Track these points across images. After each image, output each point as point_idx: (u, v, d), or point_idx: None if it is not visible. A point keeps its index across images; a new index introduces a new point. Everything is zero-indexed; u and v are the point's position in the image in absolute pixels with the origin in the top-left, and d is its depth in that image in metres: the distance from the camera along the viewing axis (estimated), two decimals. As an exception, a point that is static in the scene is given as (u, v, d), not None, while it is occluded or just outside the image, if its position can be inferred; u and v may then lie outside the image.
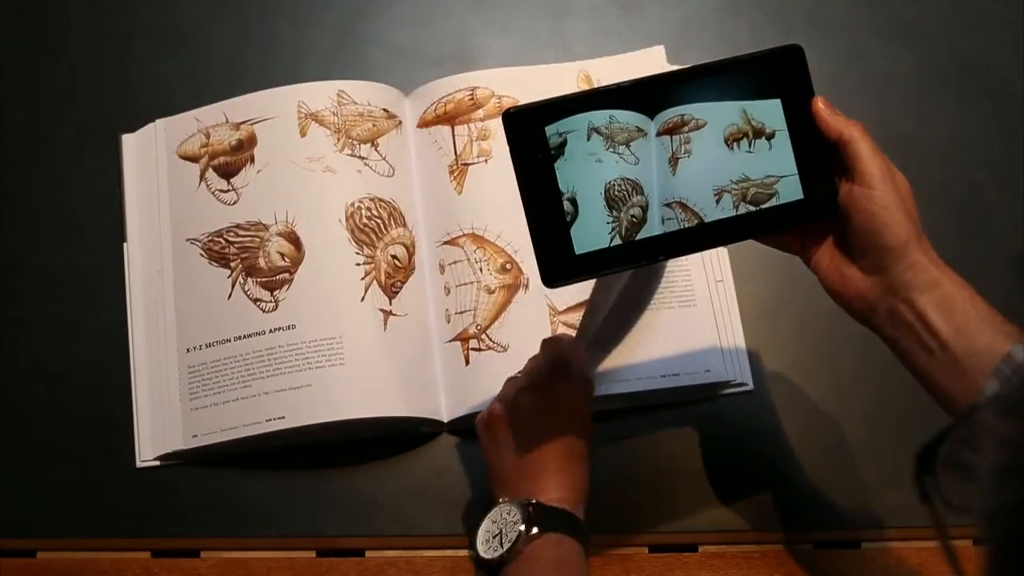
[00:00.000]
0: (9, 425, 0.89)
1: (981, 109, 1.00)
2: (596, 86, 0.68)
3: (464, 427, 0.88)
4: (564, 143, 0.67)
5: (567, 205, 0.67)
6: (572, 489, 0.76)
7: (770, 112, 0.70)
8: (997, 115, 0.99)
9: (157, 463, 0.88)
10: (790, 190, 0.71)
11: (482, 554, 0.75)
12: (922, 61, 1.02)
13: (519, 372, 0.81)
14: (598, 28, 1.03)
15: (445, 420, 0.88)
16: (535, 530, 0.73)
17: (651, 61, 0.99)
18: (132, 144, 0.97)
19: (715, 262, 0.92)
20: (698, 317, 0.90)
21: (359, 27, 1.03)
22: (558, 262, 0.68)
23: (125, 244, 0.94)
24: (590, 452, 0.78)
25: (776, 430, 0.89)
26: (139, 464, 0.88)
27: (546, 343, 0.80)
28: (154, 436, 0.88)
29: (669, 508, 0.86)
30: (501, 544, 0.74)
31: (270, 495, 0.87)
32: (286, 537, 0.86)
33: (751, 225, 0.71)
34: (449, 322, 0.89)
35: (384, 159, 0.93)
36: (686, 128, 0.69)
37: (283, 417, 0.85)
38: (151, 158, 0.95)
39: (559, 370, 0.78)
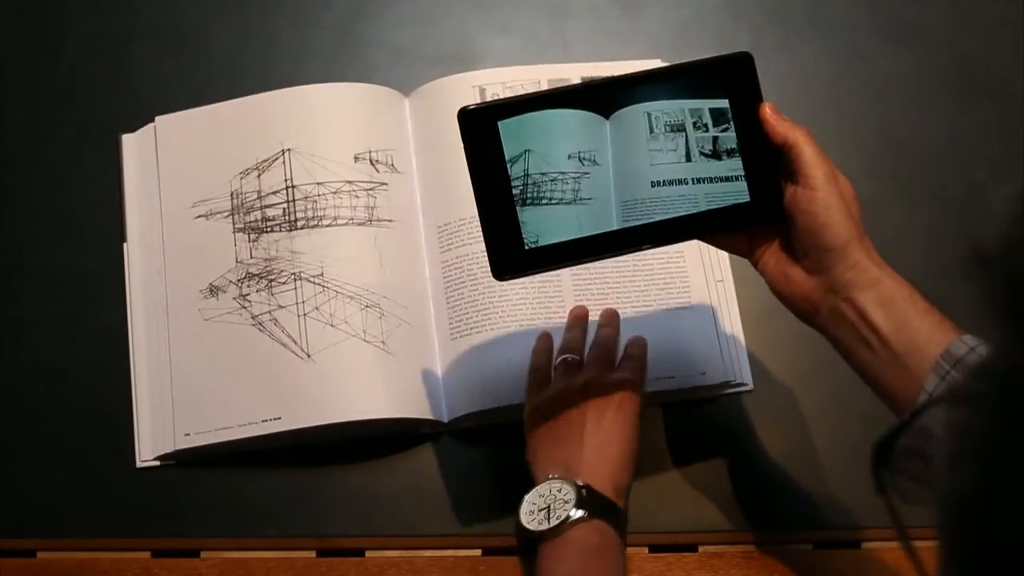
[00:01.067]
0: (9, 425, 0.89)
1: (981, 109, 1.00)
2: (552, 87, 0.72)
3: (464, 427, 0.88)
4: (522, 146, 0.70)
5: (519, 198, 0.70)
6: (619, 485, 0.77)
7: (719, 115, 0.72)
8: (997, 115, 0.99)
9: (157, 463, 0.88)
10: (737, 192, 0.73)
11: (526, 524, 0.75)
12: (922, 61, 1.02)
13: (568, 355, 0.82)
14: (598, 29, 1.03)
15: (445, 420, 0.88)
16: (584, 513, 0.73)
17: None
18: (132, 144, 0.97)
19: (715, 262, 0.92)
20: (698, 317, 0.91)
21: (359, 27, 1.03)
22: (508, 255, 0.71)
23: (125, 244, 0.94)
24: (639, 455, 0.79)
25: (776, 430, 0.89)
26: (139, 464, 0.88)
27: (635, 350, 0.83)
28: (154, 436, 0.88)
29: (669, 508, 0.86)
30: (548, 519, 0.74)
31: (270, 495, 0.87)
32: (286, 537, 0.86)
33: (699, 225, 0.73)
34: (449, 322, 0.89)
35: (391, 166, 0.94)
36: (639, 127, 0.72)
37: (279, 418, 0.85)
38: (151, 158, 0.95)
39: (643, 373, 0.81)
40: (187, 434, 0.87)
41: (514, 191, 0.70)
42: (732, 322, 0.91)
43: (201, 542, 0.86)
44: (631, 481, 0.78)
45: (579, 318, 0.86)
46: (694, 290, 0.91)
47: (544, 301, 0.89)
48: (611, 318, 0.86)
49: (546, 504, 0.75)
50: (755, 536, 0.85)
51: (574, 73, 0.98)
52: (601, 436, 0.77)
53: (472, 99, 0.95)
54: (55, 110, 1.00)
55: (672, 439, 0.89)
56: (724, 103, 0.72)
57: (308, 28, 1.03)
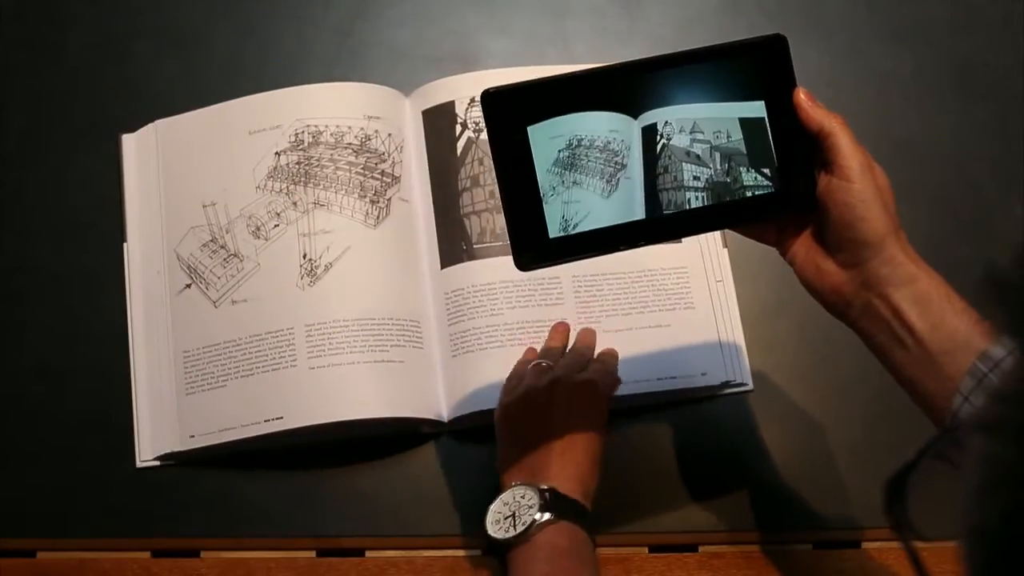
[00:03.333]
0: (9, 425, 0.89)
1: (981, 109, 1.00)
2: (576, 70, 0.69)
3: (464, 427, 0.88)
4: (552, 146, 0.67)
5: (544, 185, 0.67)
6: (585, 486, 0.77)
7: (753, 109, 0.70)
8: (997, 115, 0.99)
9: (157, 463, 0.88)
10: (769, 181, 0.70)
11: (492, 534, 0.75)
12: (922, 61, 1.02)
13: (543, 360, 0.82)
14: (598, 28, 1.03)
15: (445, 420, 0.88)
16: (550, 516, 0.74)
17: None
18: (132, 144, 0.97)
19: (715, 262, 0.92)
20: (698, 318, 0.91)
21: (359, 27, 1.03)
22: (532, 245, 0.68)
23: (125, 244, 0.94)
24: (603, 457, 0.79)
25: (776, 430, 0.89)
26: (139, 464, 0.88)
27: (605, 356, 0.84)
28: (154, 436, 0.88)
29: (669, 508, 0.86)
30: (514, 526, 0.74)
31: (270, 495, 0.87)
32: (286, 537, 0.86)
33: (729, 215, 0.71)
34: (450, 321, 0.89)
35: (393, 164, 0.94)
36: (667, 127, 0.69)
37: (281, 417, 0.85)
38: (151, 158, 0.95)
39: (609, 380, 0.81)
40: (192, 436, 0.87)
41: (539, 179, 0.67)
42: (732, 322, 0.91)
43: (201, 542, 0.86)
44: (597, 483, 0.78)
45: (560, 332, 0.87)
46: (694, 290, 0.91)
47: (546, 296, 0.89)
48: (589, 334, 0.87)
49: (511, 512, 0.75)
50: (755, 536, 0.85)
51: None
52: (566, 439, 0.77)
53: (472, 99, 0.95)
54: (55, 110, 1.00)
55: (672, 439, 0.89)
56: (759, 100, 0.69)
57: (308, 28, 1.03)
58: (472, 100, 0.95)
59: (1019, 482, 0.37)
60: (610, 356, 0.86)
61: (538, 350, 0.86)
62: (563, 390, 0.79)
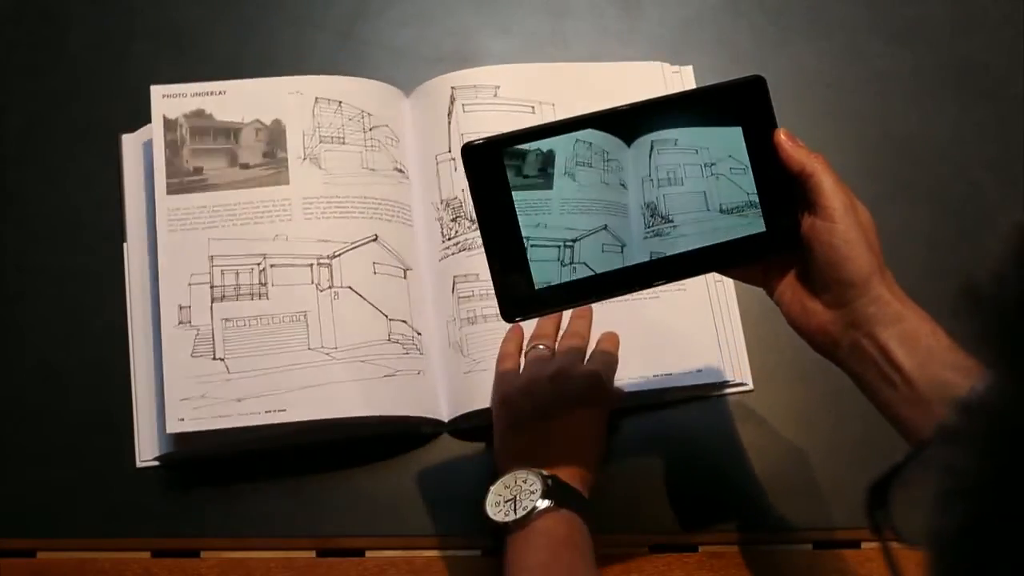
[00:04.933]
0: (9, 425, 0.89)
1: (981, 109, 1.00)
2: (558, 119, 0.69)
3: (464, 427, 0.88)
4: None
5: (528, 240, 0.67)
6: (586, 478, 0.77)
7: (736, 151, 0.70)
8: (997, 115, 0.99)
9: (157, 463, 0.88)
10: (752, 223, 0.70)
11: (492, 516, 0.75)
12: (922, 61, 1.02)
13: (540, 343, 0.82)
14: (598, 28, 1.03)
15: (445, 420, 0.88)
16: (550, 503, 0.73)
17: (649, 73, 0.98)
18: (132, 144, 0.97)
19: (715, 262, 0.92)
20: (698, 317, 0.91)
21: (359, 27, 1.03)
22: (517, 296, 0.68)
23: (125, 244, 0.94)
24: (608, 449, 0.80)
25: (776, 430, 0.89)
26: (139, 464, 0.88)
27: (607, 345, 0.83)
28: (154, 436, 0.88)
29: (669, 508, 0.86)
30: (514, 510, 0.74)
31: (270, 495, 0.87)
32: (286, 537, 0.86)
33: (714, 258, 0.71)
34: (450, 321, 0.89)
35: (396, 163, 0.94)
36: (653, 174, 0.69)
37: (284, 410, 0.85)
38: (151, 158, 0.95)
39: (611, 371, 0.81)
40: (181, 419, 0.84)
41: (523, 231, 0.68)
42: (732, 322, 0.91)
43: (201, 542, 0.86)
44: (597, 477, 0.78)
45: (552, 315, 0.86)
46: (694, 290, 0.91)
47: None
48: (583, 318, 0.86)
49: (512, 495, 0.74)
50: (755, 536, 0.86)
51: (574, 71, 0.98)
52: (569, 432, 0.78)
53: (472, 96, 0.95)
54: (55, 110, 1.00)
55: (672, 439, 0.89)
56: (736, 126, 0.69)
57: (308, 28, 1.03)
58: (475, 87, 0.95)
59: (976, 493, 0.37)
60: (610, 344, 0.85)
61: (517, 325, 0.85)
62: (566, 382, 0.79)
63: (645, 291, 0.90)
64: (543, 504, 0.73)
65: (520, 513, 0.73)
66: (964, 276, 0.38)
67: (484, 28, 1.03)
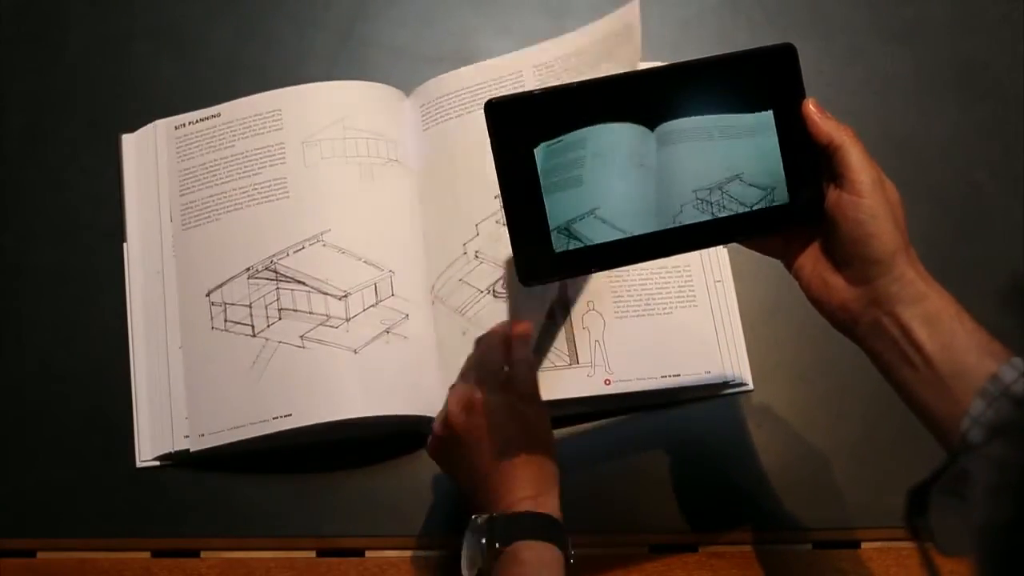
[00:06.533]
0: (9, 425, 0.89)
1: (981, 109, 1.00)
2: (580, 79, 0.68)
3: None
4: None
5: (549, 199, 0.67)
6: (539, 492, 0.74)
7: (762, 120, 0.69)
8: (997, 115, 1.00)
9: (157, 463, 0.88)
10: (776, 194, 0.70)
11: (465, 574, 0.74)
12: (922, 61, 1.02)
13: (464, 379, 0.79)
14: (598, 28, 1.03)
15: (445, 420, 0.88)
16: (498, 545, 0.72)
17: (625, 20, 0.96)
18: (132, 144, 0.97)
19: (715, 262, 0.92)
20: (698, 317, 0.91)
21: (359, 27, 1.03)
22: (536, 260, 0.67)
23: (125, 244, 0.94)
24: (554, 446, 0.77)
25: (776, 430, 0.89)
26: (139, 464, 0.88)
27: (523, 342, 0.78)
28: (154, 436, 0.88)
29: (669, 508, 0.86)
30: (474, 566, 0.73)
31: (270, 495, 0.87)
32: (286, 537, 0.86)
33: (734, 228, 0.70)
34: (450, 321, 0.89)
35: (399, 161, 0.94)
36: (677, 137, 0.68)
37: (290, 415, 0.85)
38: (151, 158, 0.95)
39: (528, 385, 0.77)
40: (202, 435, 0.86)
41: (543, 192, 0.67)
42: (732, 322, 0.91)
43: (201, 542, 0.86)
44: (556, 478, 0.76)
45: (485, 341, 0.81)
46: (694, 290, 0.91)
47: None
48: (488, 338, 0.79)
49: (470, 552, 0.73)
50: (755, 536, 0.86)
51: (528, 61, 0.96)
52: (499, 460, 0.75)
53: (473, 97, 0.94)
54: (55, 110, 1.00)
55: (672, 439, 0.89)
56: (767, 111, 0.68)
57: (308, 28, 1.03)
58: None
59: None
60: (522, 346, 0.78)
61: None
62: (482, 413, 0.75)
63: (644, 292, 0.91)
64: (490, 551, 0.71)
65: (478, 566, 0.72)
66: (1014, 273, 0.38)
67: (484, 28, 1.03)
